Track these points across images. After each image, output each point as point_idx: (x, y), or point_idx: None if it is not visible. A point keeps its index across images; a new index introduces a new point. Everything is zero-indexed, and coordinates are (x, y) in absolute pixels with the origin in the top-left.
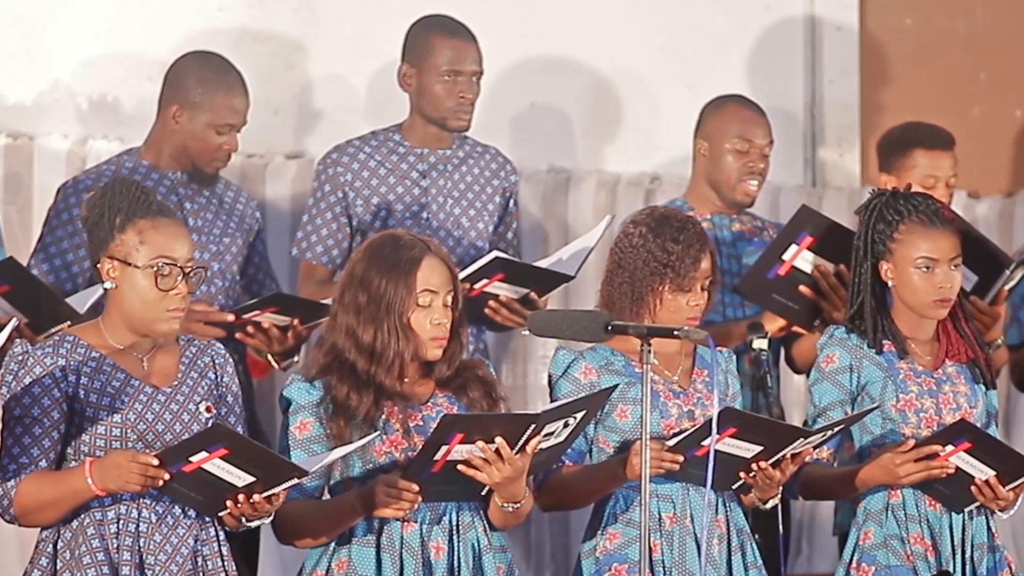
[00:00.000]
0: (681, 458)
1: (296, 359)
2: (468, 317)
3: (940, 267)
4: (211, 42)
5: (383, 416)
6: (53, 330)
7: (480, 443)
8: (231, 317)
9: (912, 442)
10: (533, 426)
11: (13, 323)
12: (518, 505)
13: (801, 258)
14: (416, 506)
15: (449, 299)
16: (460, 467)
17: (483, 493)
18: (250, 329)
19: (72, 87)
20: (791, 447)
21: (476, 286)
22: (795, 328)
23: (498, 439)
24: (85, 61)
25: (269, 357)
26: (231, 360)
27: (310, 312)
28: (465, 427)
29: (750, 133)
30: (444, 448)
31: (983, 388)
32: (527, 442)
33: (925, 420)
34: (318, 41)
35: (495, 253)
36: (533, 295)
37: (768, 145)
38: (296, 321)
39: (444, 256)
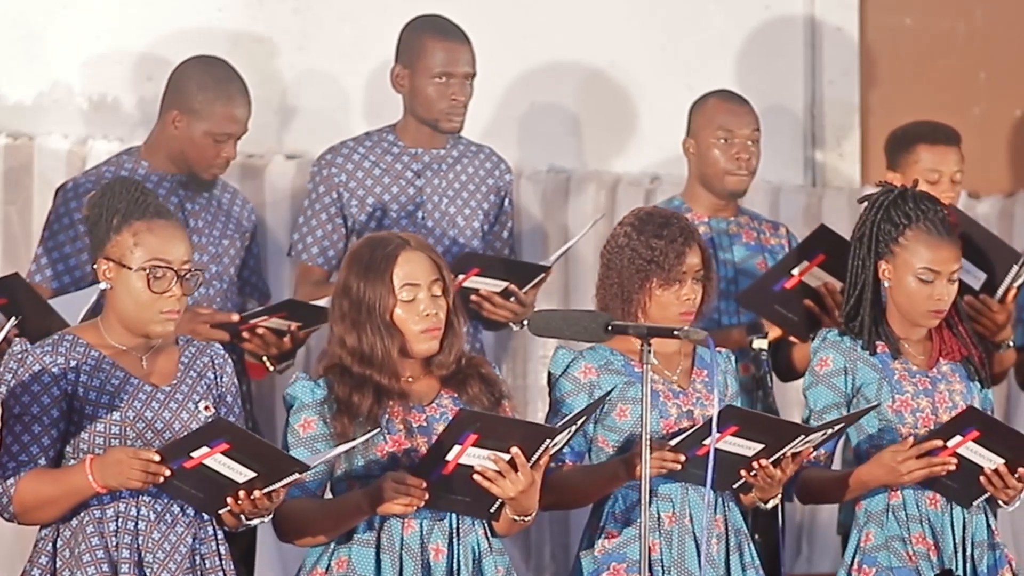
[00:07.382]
0: (683, 458)
1: (291, 363)
2: None
3: (940, 280)
4: (211, 42)
5: (386, 416)
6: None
7: (494, 454)
8: (236, 317)
9: (912, 439)
10: (548, 441)
11: (13, 321)
12: (530, 518)
13: (811, 274)
14: (422, 503)
15: (437, 289)
16: (476, 477)
17: (492, 511)
18: (245, 334)
19: (72, 87)
20: (792, 445)
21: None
22: (790, 338)
23: (514, 449)
24: (85, 61)
25: (265, 360)
26: (230, 360)
27: (314, 318)
28: (481, 427)
29: (731, 123)
30: (457, 448)
31: (978, 385)
32: (541, 456)
33: (922, 420)
34: (318, 41)
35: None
36: (513, 287)
37: (753, 133)
38: (294, 327)
39: (425, 248)
